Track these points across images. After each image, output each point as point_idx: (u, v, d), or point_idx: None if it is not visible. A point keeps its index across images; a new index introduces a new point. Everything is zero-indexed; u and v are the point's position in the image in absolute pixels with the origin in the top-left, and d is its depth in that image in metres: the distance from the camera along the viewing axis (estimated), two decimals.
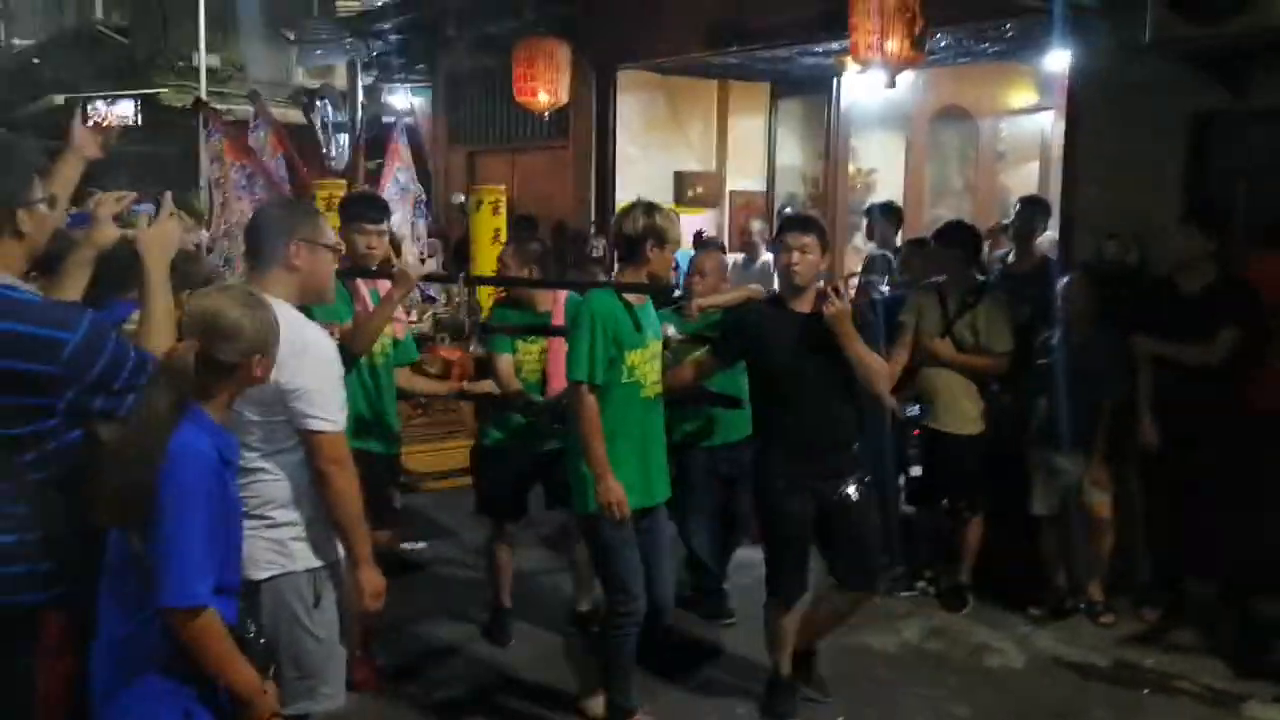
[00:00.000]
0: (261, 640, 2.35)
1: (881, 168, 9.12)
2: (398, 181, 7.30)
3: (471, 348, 5.34)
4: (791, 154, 9.42)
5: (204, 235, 6.70)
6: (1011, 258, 6.15)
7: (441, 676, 4.39)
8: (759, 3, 6.79)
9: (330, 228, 2.99)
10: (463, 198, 9.14)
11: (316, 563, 2.72)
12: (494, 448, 4.57)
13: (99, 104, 2.82)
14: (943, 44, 6.79)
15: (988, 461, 5.04)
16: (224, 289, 2.39)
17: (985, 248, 6.42)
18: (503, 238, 7.29)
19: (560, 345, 4.11)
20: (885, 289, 5.63)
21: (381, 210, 4.26)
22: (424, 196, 7.71)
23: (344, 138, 10.45)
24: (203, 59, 11.51)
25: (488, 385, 4.60)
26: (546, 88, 7.79)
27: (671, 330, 4.42)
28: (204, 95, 11.22)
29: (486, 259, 7.11)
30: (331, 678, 2.80)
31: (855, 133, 8.82)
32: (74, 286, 2.58)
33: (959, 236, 5.24)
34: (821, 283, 3.86)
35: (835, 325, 3.67)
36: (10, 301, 2.24)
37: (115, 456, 2.12)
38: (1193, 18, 4.55)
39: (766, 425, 3.95)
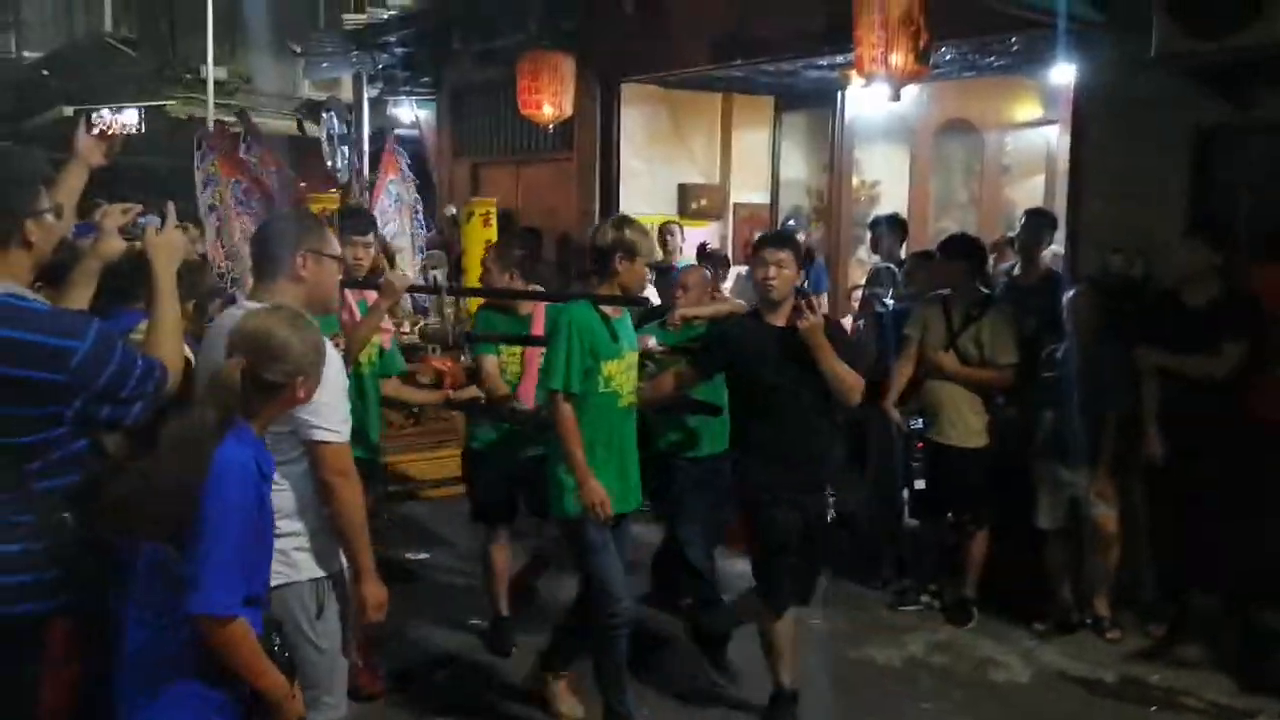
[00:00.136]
0: (286, 654, 2.38)
1: (886, 181, 9.12)
2: (390, 193, 7.39)
3: (462, 358, 5.41)
4: (796, 167, 9.43)
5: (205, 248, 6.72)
6: (1017, 271, 6.14)
7: (442, 684, 4.40)
8: (763, 16, 6.81)
9: (335, 239, 3.01)
10: (454, 210, 9.22)
11: (319, 573, 2.73)
12: (482, 451, 4.67)
13: (104, 112, 2.84)
14: (947, 57, 6.79)
15: (993, 475, 5.03)
16: (273, 310, 2.44)
17: (990, 261, 6.42)
18: None
19: (535, 352, 4.27)
20: (890, 302, 5.63)
21: (368, 223, 4.40)
22: (420, 206, 7.75)
23: (349, 150, 10.46)
24: (210, 71, 11.53)
25: (473, 392, 4.69)
26: (551, 100, 7.81)
27: (653, 342, 4.54)
28: (211, 107, 11.26)
29: (479, 271, 7.12)
30: (334, 688, 2.81)
31: (859, 146, 8.82)
32: (80, 297, 2.59)
33: (964, 249, 5.25)
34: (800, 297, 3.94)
35: (809, 338, 3.80)
36: (19, 310, 2.25)
37: (160, 469, 2.16)
38: (1197, 32, 4.56)
39: (745, 436, 4.04)
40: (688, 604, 4.82)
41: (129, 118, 2.92)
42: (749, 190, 9.26)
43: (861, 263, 8.58)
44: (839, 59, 6.89)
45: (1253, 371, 4.52)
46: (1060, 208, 6.33)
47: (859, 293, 6.93)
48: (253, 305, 2.77)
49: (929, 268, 5.56)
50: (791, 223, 8.66)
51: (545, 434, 3.93)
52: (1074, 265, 5.51)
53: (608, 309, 3.79)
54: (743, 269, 7.67)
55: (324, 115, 11.08)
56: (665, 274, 6.87)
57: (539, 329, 4.55)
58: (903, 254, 6.89)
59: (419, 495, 6.47)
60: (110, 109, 2.88)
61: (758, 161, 9.28)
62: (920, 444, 5.06)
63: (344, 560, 2.80)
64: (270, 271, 2.79)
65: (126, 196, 2.75)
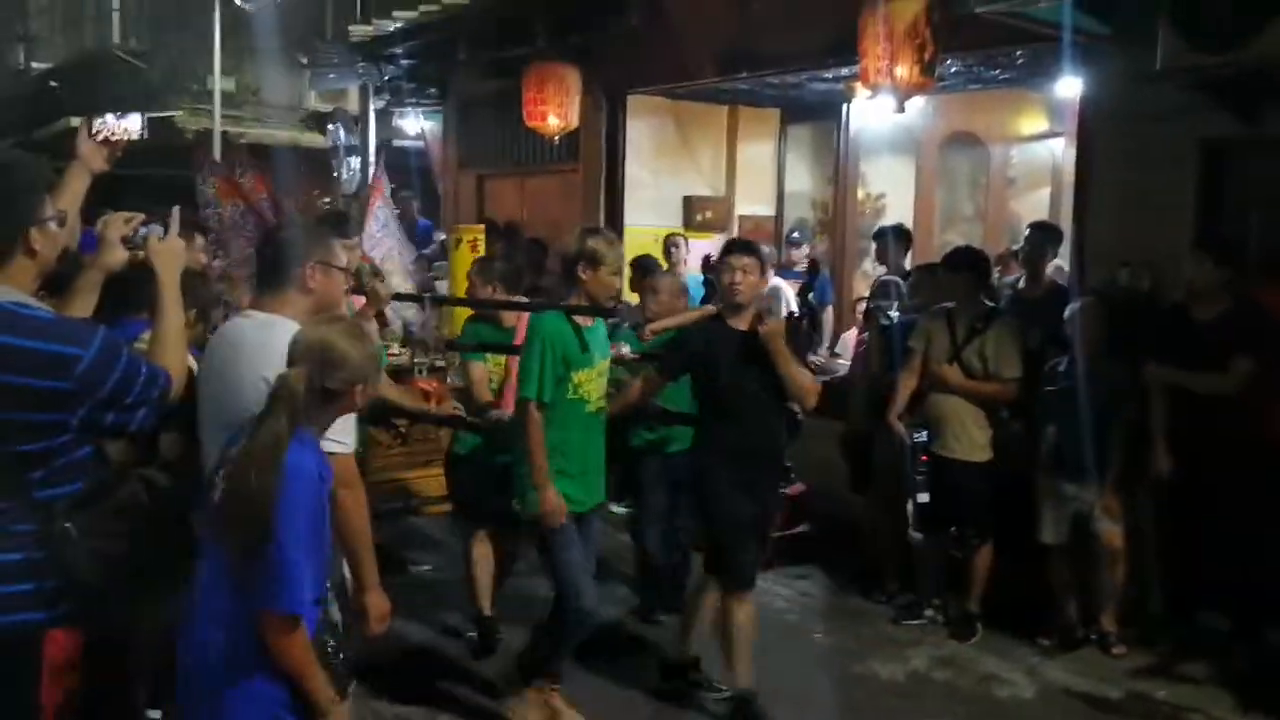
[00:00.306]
0: (340, 656, 2.44)
1: (891, 193, 9.11)
2: (379, 219, 7.52)
3: (448, 379, 5.61)
4: (801, 179, 9.43)
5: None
6: (1021, 284, 6.13)
7: (417, 677, 4.44)
8: (769, 29, 6.82)
9: (341, 250, 3.01)
10: (443, 236, 9.40)
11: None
12: (464, 455, 4.89)
13: (107, 117, 2.85)
14: (953, 70, 6.79)
15: (997, 489, 5.01)
16: (333, 320, 2.54)
17: (995, 274, 6.41)
18: None
19: (518, 361, 4.38)
20: (895, 314, 5.62)
21: (352, 227, 4.46)
22: (401, 232, 7.92)
23: (355, 161, 10.51)
24: (217, 83, 11.56)
25: (450, 407, 5.00)
26: (557, 112, 7.83)
27: (627, 349, 4.76)
28: (218, 118, 11.29)
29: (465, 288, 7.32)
30: None
31: (865, 158, 8.81)
32: (83, 306, 2.59)
33: (968, 262, 5.24)
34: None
35: (769, 343, 3.99)
36: (23, 318, 2.25)
37: (237, 475, 2.25)
38: (1202, 46, 4.56)
39: (708, 435, 4.23)
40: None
41: (131, 123, 2.95)
42: (754, 202, 9.26)
43: (866, 275, 8.56)
44: (844, 71, 6.89)
45: (1262, 387, 4.50)
46: (1066, 221, 6.33)
47: (864, 305, 6.92)
48: (260, 315, 2.77)
49: (933, 281, 5.55)
50: (796, 234, 8.65)
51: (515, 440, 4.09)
52: (1080, 279, 5.50)
53: (580, 318, 3.93)
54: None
55: (330, 127, 11.14)
56: None
57: (522, 339, 4.65)
58: (907, 264, 6.89)
59: (407, 513, 6.60)
60: (114, 115, 2.91)
61: (763, 174, 9.29)
62: (924, 457, 5.04)
63: (346, 571, 2.79)
64: (278, 282, 2.79)
65: (131, 206, 2.74)
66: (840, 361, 7.17)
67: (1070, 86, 6.47)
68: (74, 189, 2.78)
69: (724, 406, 4.12)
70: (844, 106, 8.39)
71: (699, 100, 8.60)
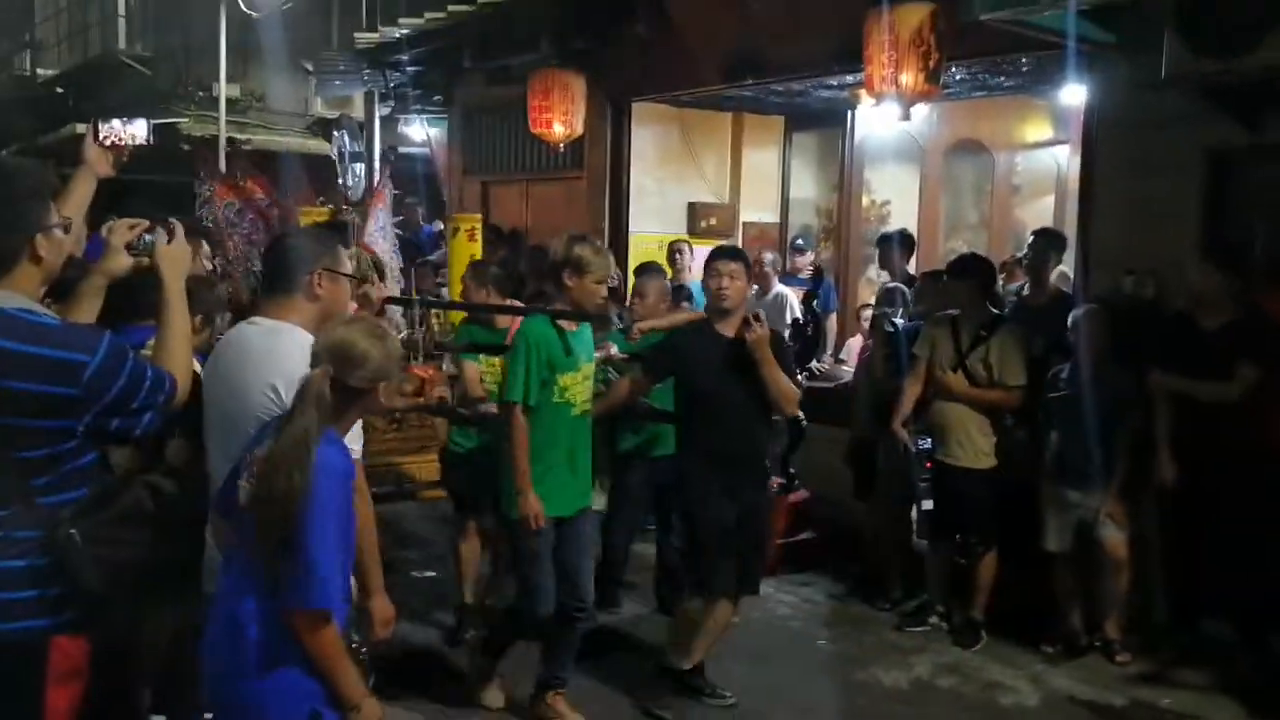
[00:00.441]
0: (363, 653, 2.47)
1: (896, 200, 9.10)
2: (378, 221, 7.72)
3: (444, 366, 5.66)
4: (805, 186, 9.43)
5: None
6: (1026, 291, 6.13)
7: (430, 690, 4.44)
8: (774, 37, 6.83)
9: (347, 256, 3.01)
10: (440, 225, 9.45)
11: None
12: (460, 452, 5.02)
13: (114, 122, 2.84)
14: (958, 78, 6.80)
15: (1001, 496, 5.00)
16: (353, 321, 2.57)
17: (1000, 281, 6.41)
18: None
19: None
20: (900, 321, 5.62)
21: (349, 236, 4.55)
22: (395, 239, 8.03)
23: (360, 167, 10.53)
24: (223, 89, 11.58)
25: (441, 391, 4.97)
26: (562, 119, 7.84)
27: (615, 350, 4.85)
28: (223, 125, 11.31)
29: (460, 285, 7.42)
30: None
31: (869, 165, 8.81)
32: (87, 313, 2.59)
33: (973, 269, 5.24)
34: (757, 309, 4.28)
35: (755, 349, 4.06)
36: (30, 325, 2.25)
37: (266, 475, 2.27)
38: (1209, 54, 4.56)
39: (692, 438, 4.30)
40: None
41: (138, 128, 2.95)
42: (759, 209, 9.27)
43: (871, 282, 8.56)
44: (849, 79, 6.90)
45: (1267, 395, 4.49)
46: (1070, 228, 6.32)
47: (868, 312, 6.92)
48: (266, 322, 2.78)
49: (938, 287, 5.55)
50: (800, 241, 8.64)
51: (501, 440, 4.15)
52: (1085, 286, 5.49)
53: (565, 323, 4.00)
54: (752, 287, 7.67)
55: (335, 133, 11.15)
56: (677, 291, 6.89)
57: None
58: (910, 269, 6.90)
59: (402, 497, 6.74)
60: (121, 120, 2.91)
61: (768, 181, 9.29)
62: (928, 464, 5.04)
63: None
64: (285, 288, 2.79)
65: (136, 212, 2.74)
66: (844, 368, 7.17)
67: (1075, 94, 6.47)
68: (80, 194, 2.78)
69: (707, 411, 4.19)
70: (849, 114, 8.39)
71: (704, 107, 8.61)
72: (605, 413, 4.38)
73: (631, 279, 6.26)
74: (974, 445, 4.99)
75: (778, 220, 9.34)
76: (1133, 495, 4.80)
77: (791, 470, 6.15)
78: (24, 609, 2.27)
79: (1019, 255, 7.31)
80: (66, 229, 2.41)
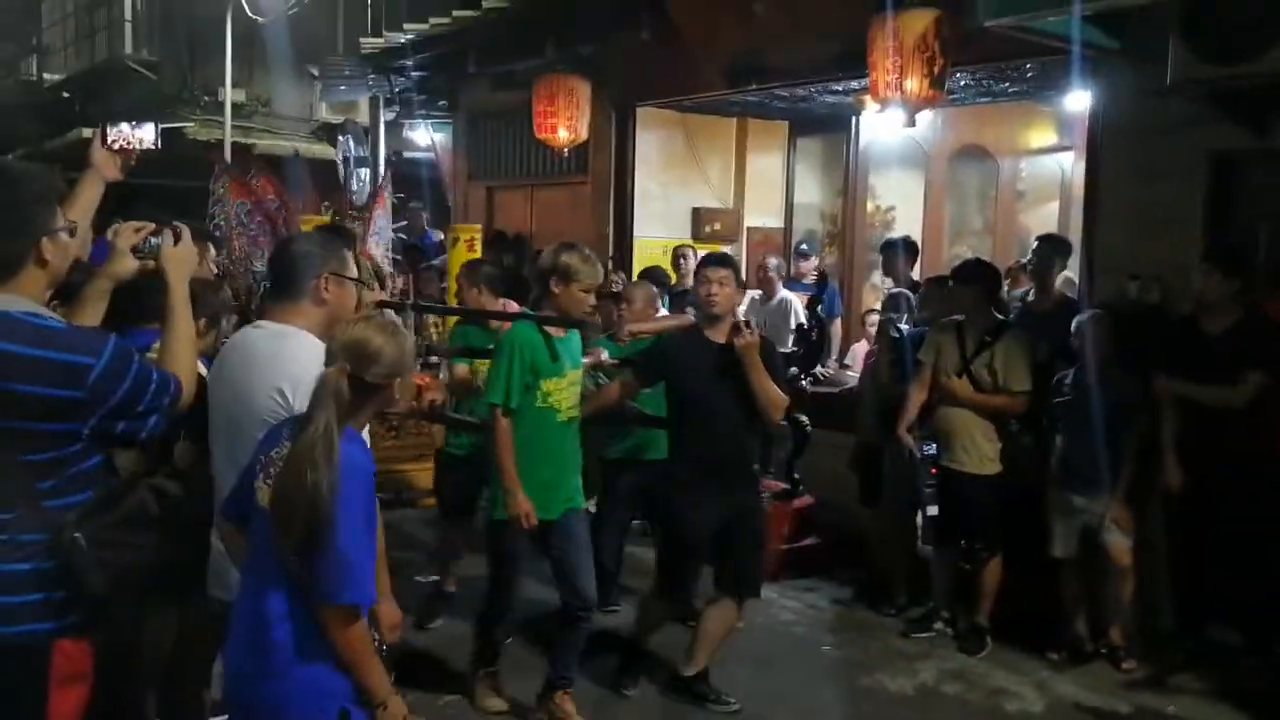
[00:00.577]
0: (384, 650, 2.50)
1: (900, 206, 9.11)
2: (377, 224, 7.74)
3: (441, 375, 5.71)
4: (810, 191, 9.43)
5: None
6: (1031, 297, 6.12)
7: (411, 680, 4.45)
8: (778, 42, 6.83)
9: (353, 261, 3.01)
10: (441, 235, 9.46)
11: None
12: (455, 455, 5.12)
13: (122, 126, 2.85)
14: (962, 83, 6.80)
15: (1007, 501, 4.99)
16: (368, 319, 2.58)
17: (1005, 286, 6.40)
18: None
19: None
20: (905, 326, 5.61)
21: (351, 241, 4.63)
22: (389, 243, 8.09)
23: (365, 172, 10.55)
24: (228, 94, 11.62)
25: (438, 397, 5.24)
26: (566, 124, 7.85)
27: (605, 355, 4.91)
28: (228, 129, 11.35)
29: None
30: None
31: (874, 171, 8.82)
32: (92, 316, 2.59)
33: (979, 274, 5.23)
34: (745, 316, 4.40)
35: (744, 356, 4.10)
36: (35, 328, 2.25)
37: (289, 474, 2.28)
38: (1213, 59, 4.56)
39: (680, 442, 4.35)
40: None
41: (146, 133, 2.95)
42: (763, 214, 9.27)
43: (875, 287, 8.57)
44: (854, 84, 6.91)
45: (1272, 400, 4.48)
46: (1075, 234, 6.31)
47: (874, 317, 6.91)
48: (272, 326, 2.78)
49: (943, 293, 5.54)
50: (805, 246, 8.65)
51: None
52: (1091, 292, 5.48)
53: (552, 329, 4.04)
54: (756, 293, 7.69)
55: (340, 138, 11.17)
56: (680, 296, 6.89)
57: None
58: (914, 275, 6.90)
59: (400, 504, 6.77)
60: (129, 124, 2.92)
61: (772, 186, 9.30)
62: (933, 470, 5.03)
63: None
64: (292, 293, 2.79)
65: (142, 216, 2.75)
66: (849, 373, 7.16)
67: (1079, 100, 6.47)
68: (87, 197, 2.78)
69: (696, 416, 4.24)
70: (853, 119, 8.40)
71: (708, 113, 8.62)
72: (594, 415, 4.42)
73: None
74: (979, 451, 4.98)
75: (782, 225, 9.35)
76: (1138, 500, 4.78)
77: (796, 475, 6.15)
78: (28, 612, 2.27)
79: (1023, 261, 7.31)
80: (72, 233, 2.41)
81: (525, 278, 6.58)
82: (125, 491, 2.43)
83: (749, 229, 9.19)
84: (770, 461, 6.30)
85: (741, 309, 7.00)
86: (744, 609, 4.46)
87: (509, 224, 9.57)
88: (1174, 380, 4.69)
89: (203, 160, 11.33)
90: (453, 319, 6.42)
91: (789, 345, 6.58)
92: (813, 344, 6.69)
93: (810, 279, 8.19)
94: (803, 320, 7.29)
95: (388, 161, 10.32)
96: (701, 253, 8.13)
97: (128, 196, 3.32)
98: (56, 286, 2.49)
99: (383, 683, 2.38)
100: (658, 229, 8.56)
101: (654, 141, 8.57)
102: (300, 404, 2.52)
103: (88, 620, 2.34)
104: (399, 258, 8.75)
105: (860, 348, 7.43)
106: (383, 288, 6.32)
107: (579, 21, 7.83)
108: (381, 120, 10.80)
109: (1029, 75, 6.60)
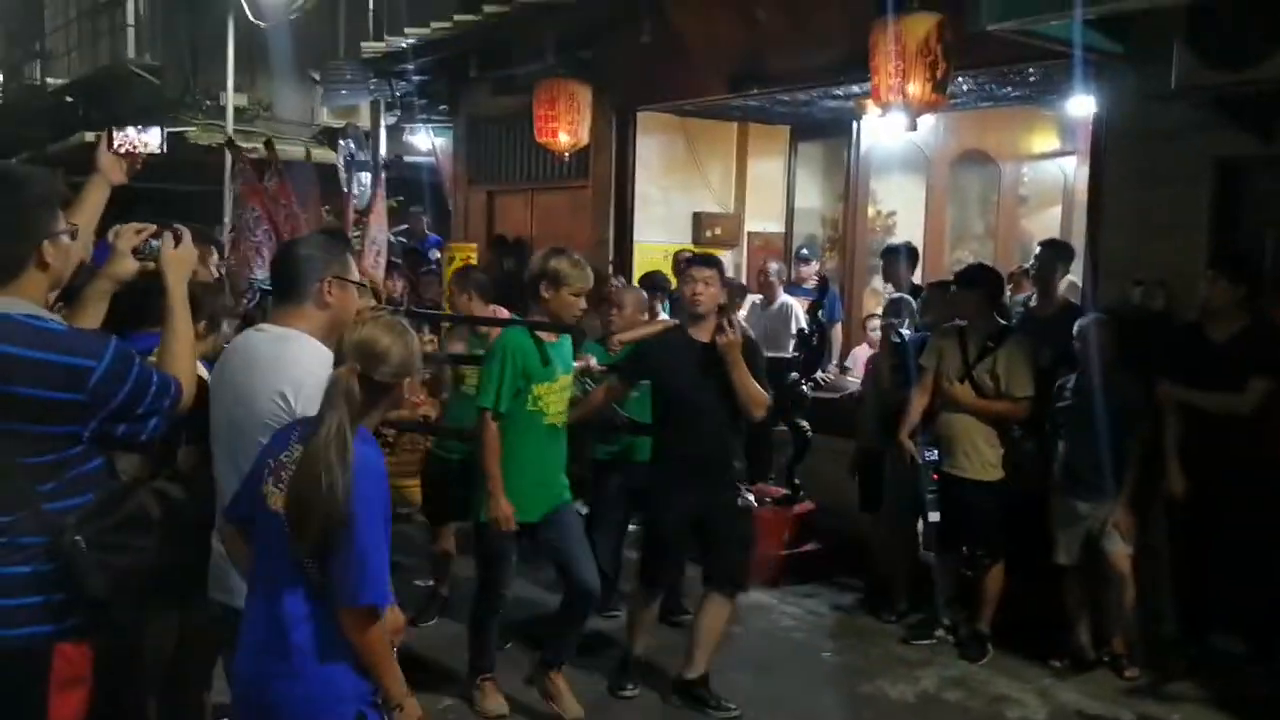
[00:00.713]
0: (397, 650, 2.50)
1: (901, 211, 9.10)
2: (369, 233, 7.70)
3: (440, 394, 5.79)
4: (811, 196, 9.43)
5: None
6: (1033, 302, 6.11)
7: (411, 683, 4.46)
8: (780, 46, 6.83)
9: (355, 265, 3.01)
10: (438, 253, 9.62)
11: None
12: (443, 457, 5.20)
13: (128, 130, 2.84)
14: (965, 88, 6.80)
15: (1009, 508, 4.98)
16: (376, 319, 2.60)
17: (1007, 292, 6.39)
18: None
19: None
20: (907, 331, 5.60)
21: (343, 242, 4.74)
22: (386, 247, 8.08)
23: (366, 176, 10.55)
24: (230, 98, 11.64)
25: (429, 409, 5.31)
26: (567, 129, 7.85)
27: (594, 361, 4.95)
28: (230, 133, 11.36)
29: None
30: None
31: (875, 175, 8.81)
32: (93, 317, 2.59)
33: (981, 279, 5.22)
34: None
35: (726, 354, 4.16)
36: (37, 330, 2.25)
37: (303, 476, 2.27)
38: (1217, 64, 4.55)
39: (665, 440, 4.40)
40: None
41: (152, 137, 2.94)
42: (764, 219, 9.27)
43: (876, 292, 8.56)
44: (855, 89, 6.90)
45: (1277, 406, 4.46)
46: (1078, 239, 6.31)
47: (875, 322, 6.90)
48: (274, 329, 2.77)
49: (945, 298, 5.54)
50: (805, 251, 8.64)
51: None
52: (1095, 297, 5.47)
53: (544, 334, 4.10)
54: (757, 297, 7.68)
55: (341, 142, 11.18)
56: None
57: None
58: (915, 280, 6.88)
59: (395, 519, 6.68)
60: (135, 128, 2.91)
61: (773, 190, 9.30)
62: (935, 475, 5.02)
63: None
64: (295, 296, 2.78)
65: (144, 219, 2.74)
66: (850, 378, 7.15)
67: (1082, 104, 6.47)
68: (93, 201, 2.78)
69: (680, 414, 4.30)
70: (855, 124, 8.40)
71: (709, 117, 8.62)
72: (581, 419, 4.48)
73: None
74: (981, 457, 4.97)
75: (783, 230, 9.35)
76: (1141, 507, 4.76)
77: (797, 481, 6.14)
78: (28, 615, 2.26)
79: (1026, 266, 7.30)
80: (73, 236, 2.41)
81: (507, 276, 6.66)
82: (126, 494, 2.43)
83: (750, 234, 9.18)
84: (771, 467, 6.29)
85: (742, 313, 7.03)
86: (738, 610, 4.48)
87: (509, 228, 9.57)
88: (1178, 386, 4.68)
89: (205, 164, 11.36)
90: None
91: (790, 350, 6.57)
92: (813, 349, 6.67)
93: (811, 284, 8.18)
94: (803, 325, 7.28)
95: (383, 166, 10.32)
96: None
97: (131, 201, 3.31)
98: (60, 289, 2.49)
99: (400, 684, 2.38)
100: (658, 233, 8.56)
101: (655, 146, 8.56)
102: (302, 407, 2.53)
103: (88, 623, 2.34)
104: (399, 260, 8.72)
105: (861, 352, 7.43)
106: (377, 298, 6.35)
107: (580, 26, 7.83)
108: (382, 124, 10.81)
109: (1031, 79, 6.60)
